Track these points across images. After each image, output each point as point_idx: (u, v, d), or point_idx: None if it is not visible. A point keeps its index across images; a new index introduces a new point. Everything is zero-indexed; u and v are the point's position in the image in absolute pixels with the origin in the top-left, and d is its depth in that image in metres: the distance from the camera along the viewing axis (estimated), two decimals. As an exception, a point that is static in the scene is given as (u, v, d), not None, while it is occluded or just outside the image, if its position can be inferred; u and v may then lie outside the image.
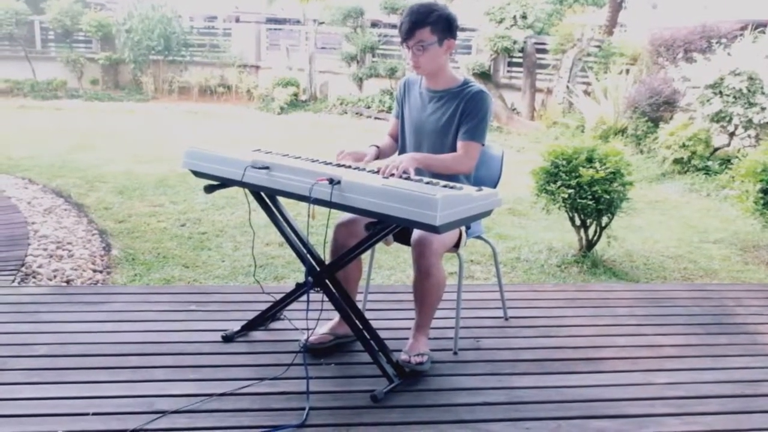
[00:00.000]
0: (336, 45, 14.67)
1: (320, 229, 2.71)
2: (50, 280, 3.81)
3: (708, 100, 7.68)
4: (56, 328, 2.99)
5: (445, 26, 2.66)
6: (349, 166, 2.60)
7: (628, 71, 10.06)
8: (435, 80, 2.79)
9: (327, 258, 2.80)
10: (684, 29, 9.48)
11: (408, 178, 2.44)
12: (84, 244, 4.46)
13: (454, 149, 2.75)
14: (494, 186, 2.95)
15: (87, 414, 2.32)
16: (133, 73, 15.04)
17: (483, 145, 2.76)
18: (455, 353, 2.88)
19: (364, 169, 2.56)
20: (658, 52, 9.71)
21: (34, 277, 3.79)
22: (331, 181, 2.29)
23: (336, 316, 2.85)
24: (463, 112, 2.71)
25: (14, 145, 8.25)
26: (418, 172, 2.68)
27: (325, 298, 2.67)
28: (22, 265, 3.91)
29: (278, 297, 3.01)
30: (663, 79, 8.86)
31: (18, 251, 4.14)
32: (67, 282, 3.84)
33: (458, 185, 2.38)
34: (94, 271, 4.06)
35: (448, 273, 3.90)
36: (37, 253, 4.12)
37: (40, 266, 3.93)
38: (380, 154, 2.89)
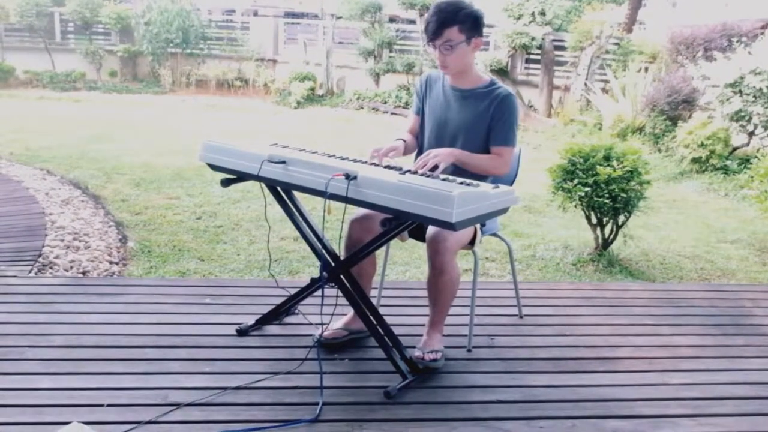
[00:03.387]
0: (353, 40, 14.66)
1: (335, 224, 2.71)
2: (67, 271, 3.84)
3: (727, 99, 7.59)
4: (72, 319, 3.01)
5: (473, 24, 2.63)
6: (382, 166, 2.58)
7: (646, 69, 9.98)
8: (461, 79, 2.77)
9: (342, 253, 2.80)
10: (704, 27, 9.37)
11: (431, 173, 2.43)
12: (100, 235, 4.50)
13: (479, 148, 2.74)
14: (511, 184, 2.94)
15: (102, 405, 2.34)
16: (152, 66, 15.11)
17: (515, 147, 2.78)
18: (469, 350, 2.88)
19: (380, 165, 2.56)
20: (677, 50, 9.61)
21: (50, 268, 3.82)
22: (347, 177, 2.28)
23: (350, 311, 2.85)
24: (494, 117, 2.70)
25: (33, 136, 8.32)
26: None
27: (340, 294, 2.67)
28: (39, 256, 3.94)
29: (293, 291, 3.01)
30: (682, 78, 8.78)
31: (35, 242, 4.17)
32: (84, 273, 3.87)
33: (474, 182, 2.37)
34: (110, 262, 4.09)
35: (463, 270, 3.91)
36: (54, 244, 4.15)
37: (56, 257, 3.96)
38: (406, 148, 2.88)
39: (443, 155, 2.57)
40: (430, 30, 2.62)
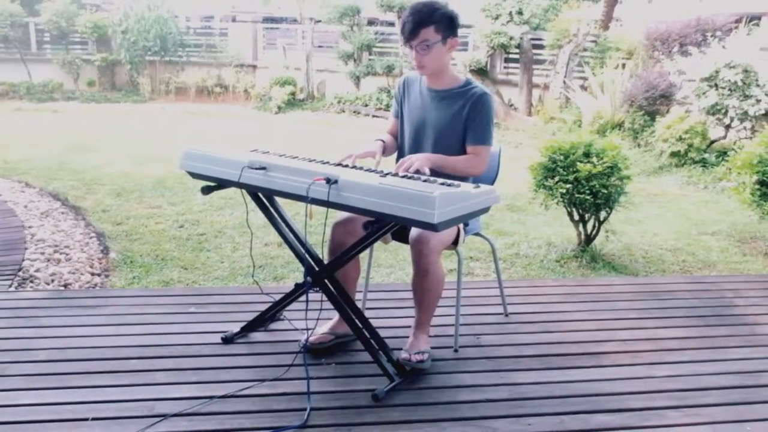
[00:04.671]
0: (333, 43, 14.65)
1: (318, 229, 2.70)
2: (48, 284, 3.80)
3: (704, 93, 7.68)
4: (55, 333, 2.98)
5: (449, 24, 2.64)
6: (354, 166, 2.59)
7: (624, 65, 10.06)
8: (437, 79, 2.78)
9: (325, 257, 2.79)
10: (679, 23, 9.48)
11: (426, 180, 2.44)
12: (81, 247, 4.45)
13: (456, 148, 2.74)
14: (492, 183, 2.95)
15: (87, 419, 2.31)
16: (130, 74, 15.02)
17: (491, 146, 2.77)
18: (456, 350, 2.88)
19: (361, 168, 2.56)
20: (653, 46, 9.70)
21: (31, 282, 3.78)
22: (329, 181, 2.28)
23: (336, 316, 2.84)
24: (469, 116, 2.71)
25: (10, 148, 8.23)
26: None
27: (325, 298, 2.67)
28: (20, 270, 3.90)
29: (277, 297, 3.00)
30: (659, 73, 8.86)
31: (15, 256, 4.13)
32: (65, 286, 3.83)
33: (456, 182, 2.37)
34: (92, 274, 4.05)
35: (448, 270, 3.91)
36: (34, 257, 4.11)
37: (37, 270, 3.92)
38: (385, 149, 2.89)
39: (420, 162, 2.56)
40: (406, 30, 2.64)
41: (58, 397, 2.45)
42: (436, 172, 2.63)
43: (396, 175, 2.47)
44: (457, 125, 2.74)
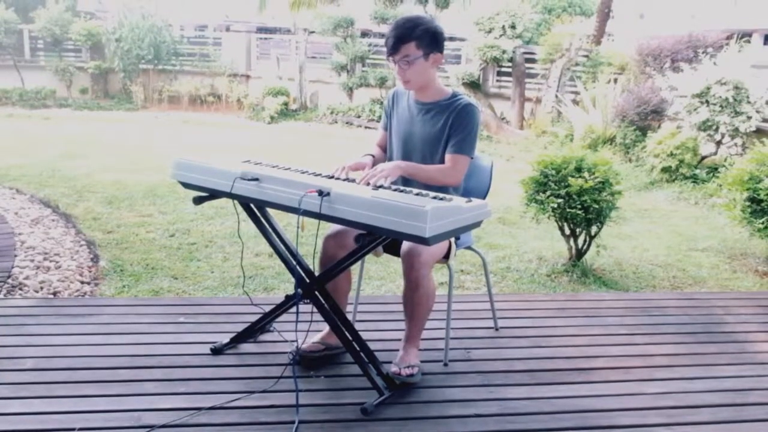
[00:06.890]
0: (326, 54, 14.70)
1: (310, 240, 2.70)
2: (37, 292, 3.78)
3: (695, 109, 7.73)
4: (43, 341, 2.95)
5: (431, 40, 2.65)
6: (341, 178, 2.59)
7: (616, 80, 10.12)
8: (424, 93, 2.79)
9: (316, 270, 2.78)
10: (671, 39, 9.55)
11: (388, 187, 2.44)
12: (71, 255, 4.43)
13: (443, 161, 2.74)
14: (484, 197, 2.95)
15: (74, 429, 2.29)
16: (123, 82, 15.01)
17: (471, 158, 2.76)
18: (446, 365, 2.87)
19: (353, 180, 2.56)
20: (645, 61, 9.77)
21: (20, 289, 3.76)
22: (321, 193, 2.28)
23: (326, 327, 2.83)
24: (452, 125, 2.71)
25: (2, 154, 8.19)
26: (406, 182, 2.68)
27: (315, 310, 2.66)
28: (9, 277, 3.87)
29: (267, 309, 2.99)
30: (650, 89, 8.92)
31: (4, 263, 4.10)
32: (54, 294, 3.80)
33: (447, 196, 2.38)
34: (82, 282, 4.02)
35: (438, 283, 3.91)
36: (23, 265, 4.09)
37: (26, 278, 3.89)
38: (375, 163, 2.89)
39: (388, 170, 2.55)
40: (388, 45, 2.67)
41: (44, 407, 2.43)
42: (410, 181, 2.64)
43: (374, 183, 2.47)
44: (444, 137, 2.74)
